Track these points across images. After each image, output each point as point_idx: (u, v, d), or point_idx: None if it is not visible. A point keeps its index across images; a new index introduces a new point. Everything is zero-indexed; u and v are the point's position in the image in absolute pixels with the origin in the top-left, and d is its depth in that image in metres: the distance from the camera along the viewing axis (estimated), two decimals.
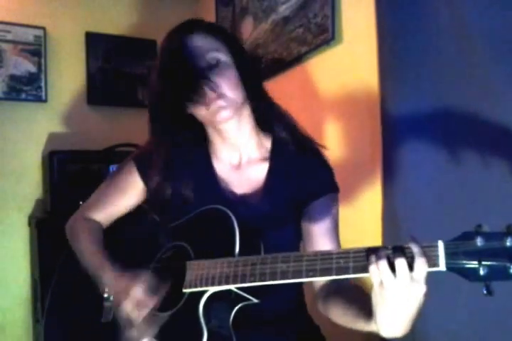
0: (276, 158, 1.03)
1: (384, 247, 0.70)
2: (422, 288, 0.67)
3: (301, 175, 1.00)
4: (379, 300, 0.70)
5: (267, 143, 1.05)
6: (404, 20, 1.30)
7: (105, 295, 1.02)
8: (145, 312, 0.88)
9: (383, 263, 0.67)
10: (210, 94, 0.92)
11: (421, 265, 0.66)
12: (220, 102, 0.93)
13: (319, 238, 0.98)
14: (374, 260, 0.68)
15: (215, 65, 0.93)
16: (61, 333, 1.08)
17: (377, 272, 0.68)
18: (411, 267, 0.66)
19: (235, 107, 0.95)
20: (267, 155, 1.04)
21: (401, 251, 0.68)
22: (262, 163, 1.03)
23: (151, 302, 0.88)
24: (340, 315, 0.88)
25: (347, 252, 0.73)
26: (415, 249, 0.67)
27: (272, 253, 0.81)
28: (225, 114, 0.94)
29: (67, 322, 1.08)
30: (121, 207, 1.09)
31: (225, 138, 1.01)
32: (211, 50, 0.93)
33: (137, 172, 1.06)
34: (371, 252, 0.70)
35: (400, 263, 0.66)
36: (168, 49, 0.94)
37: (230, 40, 0.98)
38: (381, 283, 0.68)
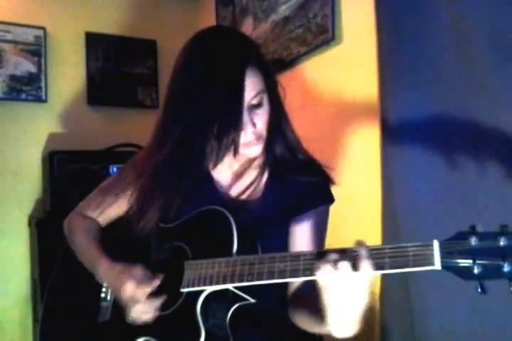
0: (275, 166, 1.03)
1: (331, 250, 0.73)
2: (366, 290, 0.70)
3: (299, 184, 1.00)
4: (326, 303, 0.72)
5: (266, 152, 1.05)
6: (404, 20, 1.30)
7: (102, 295, 1.02)
8: (149, 289, 0.88)
9: (327, 266, 0.70)
10: (251, 136, 0.92)
11: (365, 267, 0.68)
12: (258, 146, 0.94)
13: (301, 246, 0.98)
14: (320, 263, 0.71)
15: (259, 105, 0.92)
16: (59, 333, 1.08)
17: (323, 275, 0.70)
18: (356, 269, 0.68)
19: (263, 145, 0.96)
20: (267, 163, 1.04)
21: (346, 253, 0.71)
22: (261, 170, 1.03)
23: (153, 282, 0.89)
24: (301, 320, 0.92)
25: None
26: (362, 251, 0.69)
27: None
28: (255, 153, 0.95)
29: (65, 322, 1.08)
30: (119, 209, 1.09)
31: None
32: (260, 92, 0.91)
33: (136, 181, 1.04)
34: (319, 255, 0.73)
35: (343, 265, 0.69)
36: (222, 76, 0.87)
37: (271, 81, 0.96)
38: (326, 285, 0.71)
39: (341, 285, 0.69)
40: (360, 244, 0.71)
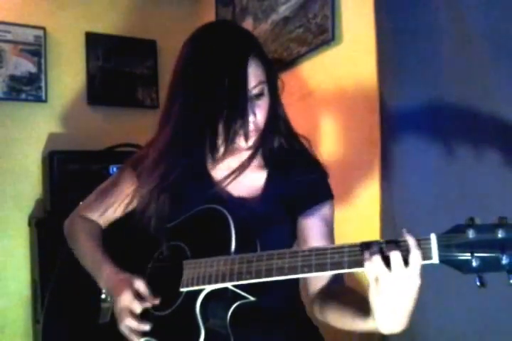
0: (274, 164, 1.03)
1: (378, 241, 0.70)
2: (417, 281, 0.67)
3: (298, 181, 0.99)
4: (375, 296, 0.69)
5: (264, 148, 1.05)
6: (403, 20, 1.30)
7: (103, 296, 1.02)
8: (145, 304, 0.89)
9: (377, 258, 0.67)
10: (251, 126, 0.92)
11: (415, 258, 0.66)
12: (255, 137, 0.94)
13: (314, 244, 0.97)
14: (368, 254, 0.68)
15: (260, 96, 0.93)
16: (59, 334, 1.08)
17: (372, 266, 0.67)
18: (405, 260, 0.66)
19: (259, 137, 0.96)
20: (266, 161, 1.04)
21: (395, 244, 0.68)
22: (260, 169, 1.03)
23: (151, 297, 0.90)
24: (338, 318, 0.87)
25: (341, 247, 0.73)
26: (411, 241, 0.67)
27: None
28: (250, 144, 0.94)
29: (66, 323, 1.08)
30: (119, 210, 1.08)
31: (231, 148, 0.97)
32: (262, 82, 0.92)
33: (136, 179, 1.04)
34: (365, 246, 0.70)
35: (395, 256, 0.66)
36: (227, 64, 0.88)
37: (272, 73, 0.97)
38: (376, 277, 0.68)
39: (391, 278, 0.66)
40: (408, 233, 0.68)
